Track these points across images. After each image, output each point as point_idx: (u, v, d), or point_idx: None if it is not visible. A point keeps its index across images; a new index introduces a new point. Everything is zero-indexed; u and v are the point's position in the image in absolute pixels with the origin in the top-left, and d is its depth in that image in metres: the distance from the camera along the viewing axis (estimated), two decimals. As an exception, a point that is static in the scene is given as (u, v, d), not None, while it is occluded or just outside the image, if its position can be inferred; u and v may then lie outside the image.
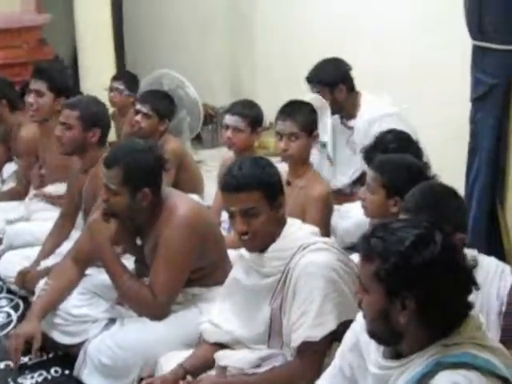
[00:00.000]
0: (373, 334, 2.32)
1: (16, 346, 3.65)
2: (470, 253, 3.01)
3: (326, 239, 3.30)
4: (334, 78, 5.20)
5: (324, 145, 5.21)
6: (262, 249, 3.17)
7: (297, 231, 3.20)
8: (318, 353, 3.03)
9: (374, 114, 5.04)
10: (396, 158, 3.62)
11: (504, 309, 3.02)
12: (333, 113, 5.24)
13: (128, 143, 3.94)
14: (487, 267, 3.07)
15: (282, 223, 3.19)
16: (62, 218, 4.69)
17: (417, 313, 2.20)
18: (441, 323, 2.23)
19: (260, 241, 3.14)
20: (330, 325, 3.02)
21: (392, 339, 2.29)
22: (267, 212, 3.09)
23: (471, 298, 2.31)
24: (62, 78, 5.32)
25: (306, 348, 3.03)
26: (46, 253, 4.54)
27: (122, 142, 4.43)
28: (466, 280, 2.28)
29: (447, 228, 2.51)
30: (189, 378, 3.16)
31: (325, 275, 3.04)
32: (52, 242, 4.59)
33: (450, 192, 3.04)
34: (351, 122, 5.25)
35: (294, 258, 3.10)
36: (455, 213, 2.94)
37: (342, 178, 5.27)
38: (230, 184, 3.09)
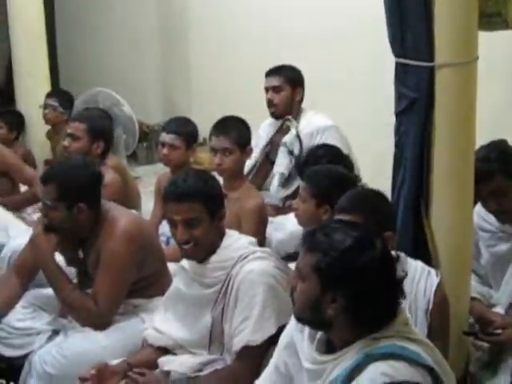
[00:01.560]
0: (301, 319, 2.47)
1: None
2: (397, 254, 3.20)
3: (265, 249, 3.48)
4: (297, 78, 5.32)
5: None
6: (203, 259, 3.31)
7: (236, 242, 3.37)
8: (257, 356, 3.18)
9: (315, 126, 5.17)
10: (324, 168, 3.82)
11: (431, 306, 3.22)
12: (276, 115, 5.33)
13: (64, 160, 4.08)
14: (414, 268, 3.28)
15: (221, 234, 3.34)
16: None
17: (345, 310, 2.35)
18: (369, 321, 2.37)
19: (200, 250, 3.28)
20: (270, 329, 3.18)
21: (320, 326, 2.44)
22: (208, 223, 3.24)
23: None
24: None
25: (246, 352, 3.18)
26: None
27: (60, 160, 4.52)
28: (396, 289, 2.44)
29: (378, 227, 2.70)
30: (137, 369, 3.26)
31: (264, 282, 3.21)
32: None
33: (379, 194, 3.24)
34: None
35: (234, 268, 3.26)
36: (384, 213, 3.13)
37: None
38: (174, 194, 3.23)
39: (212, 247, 3.31)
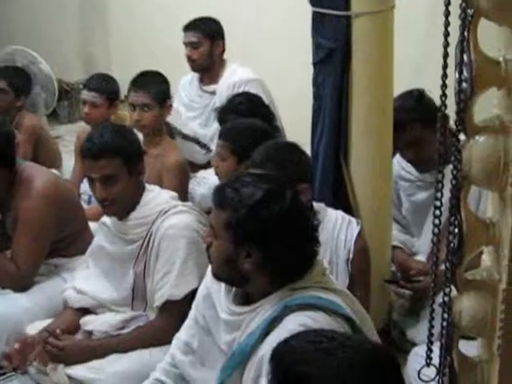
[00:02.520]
0: (217, 276, 2.45)
1: None
2: (317, 206, 3.20)
3: (186, 203, 3.43)
4: (217, 31, 5.24)
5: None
6: (123, 216, 3.26)
7: (156, 197, 3.31)
8: (179, 310, 3.12)
9: (238, 78, 5.11)
10: (240, 123, 3.73)
11: (351, 256, 3.23)
12: (196, 69, 5.26)
13: None
14: (335, 218, 3.27)
15: (141, 190, 3.29)
16: None
17: (262, 262, 2.33)
18: (286, 272, 2.36)
19: (120, 206, 3.23)
20: (192, 284, 3.16)
21: (236, 282, 2.42)
22: (126, 179, 3.19)
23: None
24: None
25: (168, 307, 3.16)
26: None
27: None
28: (311, 236, 2.42)
29: (291, 179, 2.68)
30: (58, 331, 3.21)
31: (186, 236, 3.19)
32: None
33: (292, 146, 3.18)
34: (211, 87, 5.27)
35: (155, 223, 3.22)
36: (298, 165, 3.07)
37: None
38: (91, 150, 3.17)
39: (132, 203, 3.26)
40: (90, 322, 3.31)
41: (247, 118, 3.83)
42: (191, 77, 5.42)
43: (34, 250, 3.64)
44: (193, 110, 5.34)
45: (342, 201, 3.55)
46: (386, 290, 3.73)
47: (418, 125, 3.70)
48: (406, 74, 4.52)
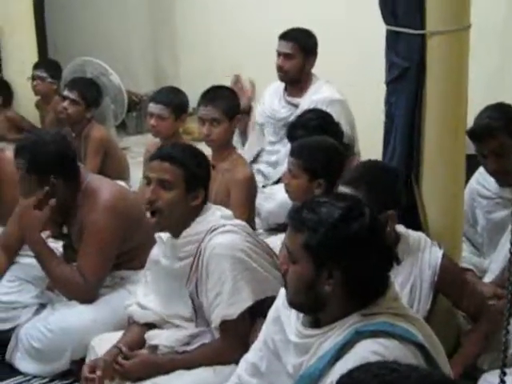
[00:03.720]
0: (294, 303, 2.39)
1: None
2: (399, 228, 3.17)
3: (237, 222, 3.35)
4: (312, 46, 5.20)
5: None
6: (175, 233, 3.23)
7: (210, 216, 3.26)
8: (238, 330, 3.14)
9: (322, 96, 5.07)
10: (312, 141, 3.71)
11: (436, 279, 3.19)
12: (284, 80, 5.23)
13: (34, 134, 4.08)
14: (418, 241, 3.23)
15: (193, 213, 3.23)
16: None
17: (342, 283, 2.27)
18: (363, 294, 2.31)
19: (163, 220, 3.19)
20: (245, 302, 3.13)
21: (314, 308, 2.36)
22: (181, 194, 3.16)
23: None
24: None
25: (226, 327, 3.13)
26: None
27: (29, 134, 4.42)
28: (389, 254, 2.39)
29: (380, 203, 2.65)
30: (124, 349, 3.21)
31: (233, 256, 3.14)
32: None
33: (390, 171, 3.19)
34: (295, 100, 5.23)
35: (204, 241, 3.18)
36: (391, 191, 3.07)
37: None
38: (160, 153, 3.19)
39: (181, 222, 3.21)
40: (155, 337, 3.29)
41: (317, 134, 3.80)
42: (278, 85, 5.39)
43: (101, 262, 3.67)
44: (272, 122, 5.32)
45: (413, 221, 3.48)
46: (454, 313, 3.65)
47: (503, 134, 3.72)
48: (480, 93, 4.45)
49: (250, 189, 4.32)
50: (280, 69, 5.19)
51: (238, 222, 3.34)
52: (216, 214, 3.28)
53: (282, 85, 5.35)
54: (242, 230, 3.27)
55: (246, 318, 3.13)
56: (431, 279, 3.19)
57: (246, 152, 5.34)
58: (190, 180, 3.16)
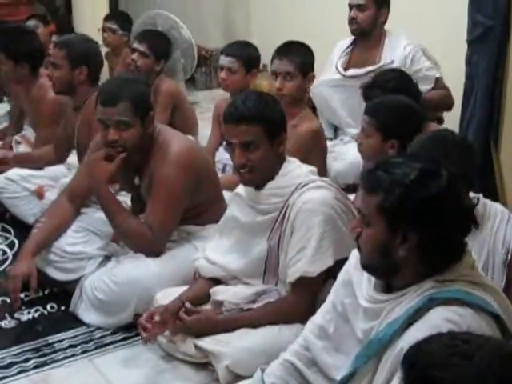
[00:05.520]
0: (368, 267, 2.32)
1: (14, 287, 3.61)
2: (477, 198, 2.99)
3: (325, 178, 3.31)
4: None
5: None
6: (259, 185, 3.20)
7: (296, 169, 3.22)
8: (312, 288, 3.08)
9: (403, 40, 4.99)
10: (389, 100, 3.60)
11: (510, 257, 2.97)
12: (357, 33, 5.12)
13: (115, 78, 4.07)
14: (494, 213, 3.03)
15: (280, 161, 3.21)
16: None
17: (417, 247, 2.19)
18: (439, 258, 2.22)
19: (258, 175, 3.16)
20: (328, 261, 3.06)
21: (387, 272, 2.28)
22: (267, 147, 3.12)
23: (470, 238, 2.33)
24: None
25: (301, 283, 3.07)
26: None
27: (110, 80, 4.29)
28: (467, 217, 2.29)
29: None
30: (187, 304, 3.19)
31: (323, 212, 3.08)
32: None
33: (462, 143, 3.01)
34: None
35: (292, 196, 3.13)
36: (461, 164, 2.83)
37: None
38: (233, 115, 3.11)
39: (270, 173, 3.18)
40: (220, 292, 3.27)
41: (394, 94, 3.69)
42: (349, 41, 5.27)
43: (169, 216, 3.62)
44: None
45: (488, 187, 3.38)
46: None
47: None
48: None
49: (314, 143, 4.21)
50: (353, 20, 5.07)
51: (326, 178, 3.28)
52: (303, 168, 3.23)
53: (347, 42, 5.24)
54: (331, 186, 3.20)
55: (321, 278, 3.07)
56: (504, 257, 2.98)
57: None
58: (270, 130, 3.12)
